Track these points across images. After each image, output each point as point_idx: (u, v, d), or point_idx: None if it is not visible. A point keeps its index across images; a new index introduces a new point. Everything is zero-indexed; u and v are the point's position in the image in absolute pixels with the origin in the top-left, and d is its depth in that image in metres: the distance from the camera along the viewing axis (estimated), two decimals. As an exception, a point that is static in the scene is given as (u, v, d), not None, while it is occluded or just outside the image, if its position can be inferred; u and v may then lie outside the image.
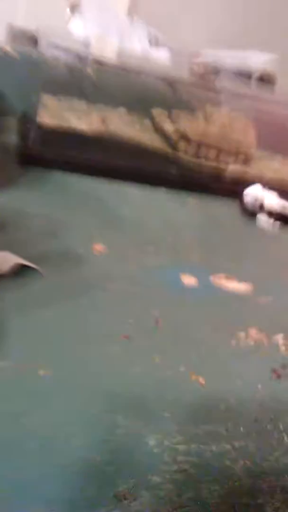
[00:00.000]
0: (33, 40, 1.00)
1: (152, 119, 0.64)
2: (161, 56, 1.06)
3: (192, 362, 0.33)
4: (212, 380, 0.32)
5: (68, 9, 1.17)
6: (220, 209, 0.61)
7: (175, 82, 0.63)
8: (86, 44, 0.93)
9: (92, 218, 0.50)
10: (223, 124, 0.61)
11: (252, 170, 0.66)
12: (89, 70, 0.66)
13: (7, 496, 0.21)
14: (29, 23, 1.10)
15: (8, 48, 0.74)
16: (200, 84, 0.63)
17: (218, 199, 0.63)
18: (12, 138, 0.55)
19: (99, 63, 0.65)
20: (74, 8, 1.16)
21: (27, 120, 0.60)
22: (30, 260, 0.36)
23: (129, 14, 1.35)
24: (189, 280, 0.42)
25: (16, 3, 1.33)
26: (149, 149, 0.61)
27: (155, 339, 0.34)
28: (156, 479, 0.24)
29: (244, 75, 0.96)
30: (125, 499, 0.23)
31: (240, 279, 0.45)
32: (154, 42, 1.14)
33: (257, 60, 0.96)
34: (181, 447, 0.27)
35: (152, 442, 0.26)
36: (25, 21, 1.21)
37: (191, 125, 0.62)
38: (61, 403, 0.27)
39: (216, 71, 0.74)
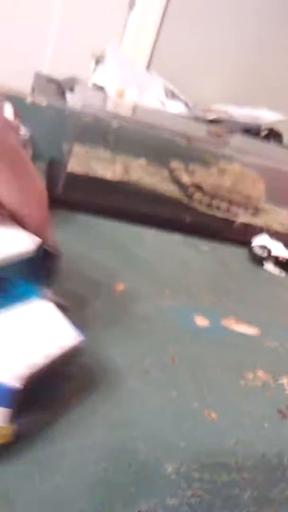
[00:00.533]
0: (59, 89, 1.08)
1: (170, 170, 0.70)
2: (176, 109, 1.14)
3: (205, 398, 0.36)
4: (223, 416, 0.35)
5: (92, 61, 1.27)
6: (231, 255, 0.65)
7: (191, 138, 0.69)
8: (109, 96, 1.00)
9: (113, 259, 0.54)
10: (235, 178, 0.66)
11: (260, 221, 0.71)
12: (112, 121, 0.72)
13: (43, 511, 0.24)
14: (55, 72, 1.19)
15: (37, 98, 0.81)
16: (215, 140, 0.69)
17: (229, 246, 0.68)
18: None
19: (121, 119, 0.72)
20: (98, 60, 1.25)
21: (55, 166, 0.65)
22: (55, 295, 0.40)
23: (147, 68, 1.45)
24: (202, 322, 0.46)
25: (43, 52, 1.44)
26: (166, 198, 0.66)
27: (171, 375, 0.38)
28: (174, 501, 0.27)
29: (253, 132, 1.03)
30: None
31: (249, 323, 0.48)
32: (170, 95, 1.23)
33: (267, 118, 1.04)
34: (196, 475, 0.30)
35: (169, 468, 0.29)
36: (50, 70, 1.31)
37: (205, 178, 0.67)
38: (89, 430, 0.30)
39: (230, 128, 0.81)
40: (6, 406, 0.22)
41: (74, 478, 0.27)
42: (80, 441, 0.29)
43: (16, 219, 0.26)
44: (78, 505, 0.25)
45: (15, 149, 0.23)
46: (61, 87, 1.07)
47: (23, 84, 1.03)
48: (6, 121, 0.22)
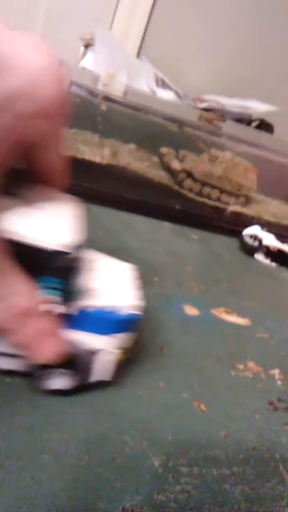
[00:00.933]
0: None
1: (160, 156, 0.68)
2: (166, 97, 1.12)
3: (194, 389, 0.35)
4: (213, 408, 0.33)
5: (81, 46, 1.24)
6: (221, 245, 0.63)
7: (182, 123, 0.67)
8: (98, 81, 0.98)
9: (100, 246, 0.52)
10: (227, 167, 0.65)
11: (251, 211, 0.69)
12: (101, 106, 0.69)
13: (22, 507, 0.22)
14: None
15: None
16: (207, 128, 0.67)
17: (219, 235, 0.66)
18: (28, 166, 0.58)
19: (110, 100, 0.69)
20: (87, 44, 1.23)
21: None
22: None
23: (138, 55, 1.43)
24: (191, 311, 0.44)
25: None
26: (156, 185, 0.64)
27: (159, 365, 0.36)
28: (161, 497, 0.26)
29: (244, 123, 1.02)
30: (133, 513, 0.24)
31: (239, 313, 0.47)
32: (161, 84, 1.21)
33: (258, 109, 1.02)
34: (184, 469, 0.28)
35: (156, 462, 0.28)
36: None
37: (196, 165, 0.65)
38: (71, 421, 0.28)
39: (221, 117, 0.79)
40: (133, 331, 0.29)
41: (55, 472, 0.25)
42: (61, 433, 0.27)
43: (56, 181, 0.28)
44: (59, 500, 0.23)
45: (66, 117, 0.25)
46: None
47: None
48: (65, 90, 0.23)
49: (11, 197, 0.25)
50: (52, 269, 0.25)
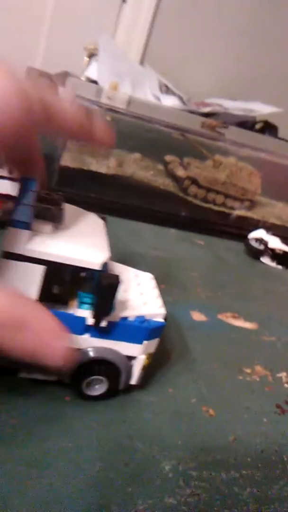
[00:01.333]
0: (52, 84, 1.07)
1: (164, 164, 0.69)
2: (171, 104, 1.13)
3: (202, 394, 0.36)
4: (221, 412, 0.34)
5: (85, 55, 1.25)
6: (227, 249, 0.64)
7: (185, 131, 0.68)
8: (102, 90, 0.99)
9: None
10: (231, 172, 0.66)
11: (256, 214, 0.70)
12: (106, 116, 0.71)
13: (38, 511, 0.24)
14: (48, 67, 1.18)
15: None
16: (210, 134, 0.68)
17: (224, 239, 0.67)
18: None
19: (115, 110, 0.71)
20: (91, 54, 1.24)
21: (49, 160, 0.64)
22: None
23: (141, 62, 1.44)
24: (198, 317, 0.45)
25: (36, 47, 1.42)
26: (161, 192, 0.65)
27: (168, 372, 0.37)
28: (171, 501, 0.27)
29: (248, 125, 1.03)
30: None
31: (246, 317, 0.48)
32: (164, 90, 1.22)
33: (261, 111, 1.03)
34: (194, 473, 0.29)
35: (167, 467, 0.29)
36: (43, 65, 1.29)
37: (200, 171, 0.66)
38: (84, 429, 0.29)
39: (224, 122, 0.80)
40: (158, 337, 0.31)
41: (70, 478, 0.26)
42: (75, 440, 0.28)
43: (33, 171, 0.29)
44: (74, 505, 0.25)
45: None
46: (54, 82, 1.06)
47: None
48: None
49: (44, 221, 0.27)
50: (88, 286, 0.28)
